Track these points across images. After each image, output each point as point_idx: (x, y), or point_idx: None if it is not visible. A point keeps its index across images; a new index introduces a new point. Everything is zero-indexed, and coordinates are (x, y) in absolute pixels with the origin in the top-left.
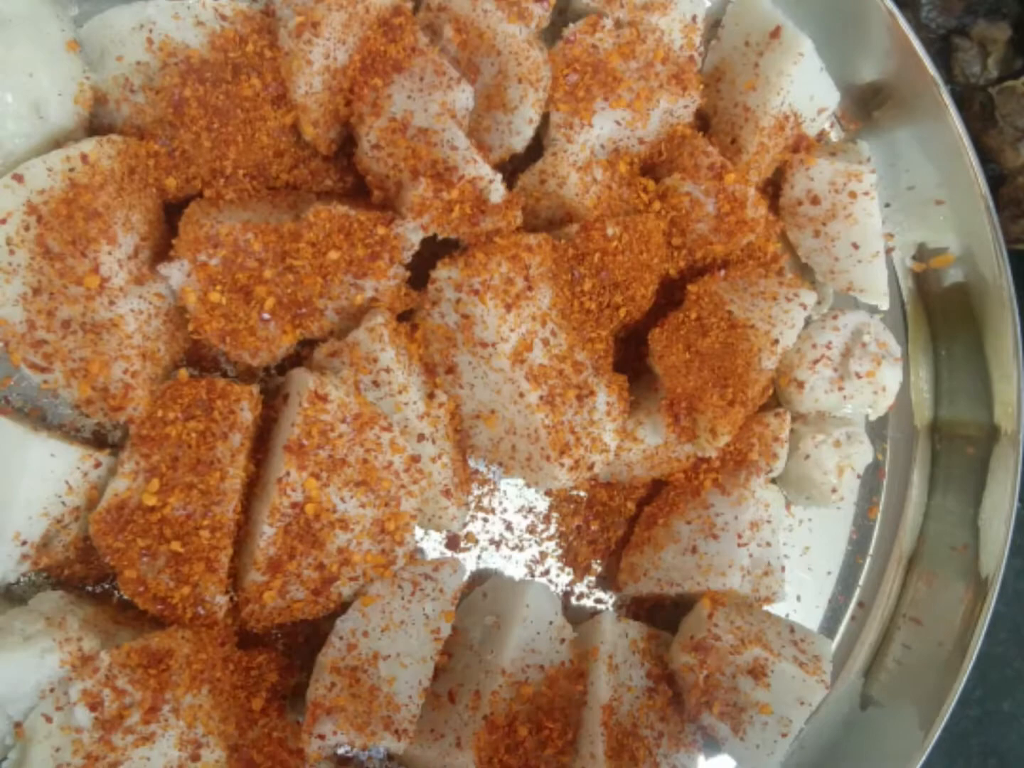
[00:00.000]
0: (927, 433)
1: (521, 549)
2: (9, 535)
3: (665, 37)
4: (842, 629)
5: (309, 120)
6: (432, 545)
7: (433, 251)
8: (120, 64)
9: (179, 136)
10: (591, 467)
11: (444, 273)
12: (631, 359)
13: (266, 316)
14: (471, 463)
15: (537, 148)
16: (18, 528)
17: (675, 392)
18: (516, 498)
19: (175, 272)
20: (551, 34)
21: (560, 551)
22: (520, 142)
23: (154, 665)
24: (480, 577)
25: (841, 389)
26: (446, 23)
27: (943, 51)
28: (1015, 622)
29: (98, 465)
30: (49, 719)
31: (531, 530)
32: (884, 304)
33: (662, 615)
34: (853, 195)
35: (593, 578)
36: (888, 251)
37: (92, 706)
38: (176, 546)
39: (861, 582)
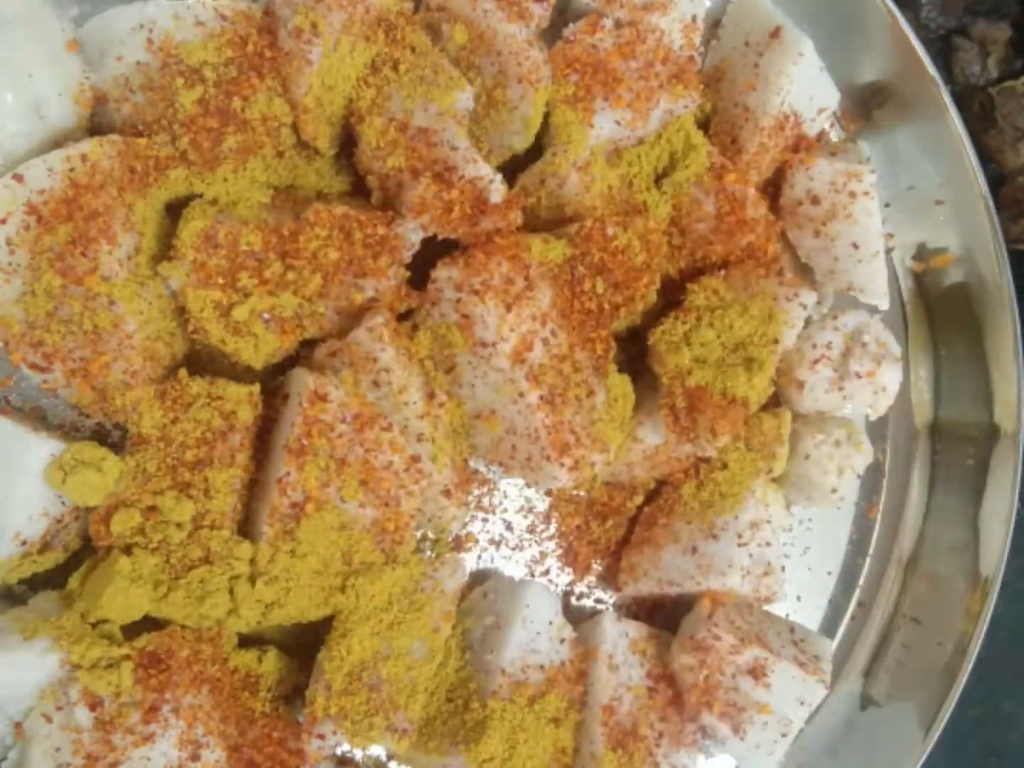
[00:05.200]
0: (927, 433)
1: (521, 549)
2: (9, 535)
3: (665, 37)
4: (842, 629)
5: (309, 120)
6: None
7: (433, 251)
8: (120, 64)
9: (179, 136)
10: (591, 467)
11: (444, 273)
12: (631, 359)
13: (266, 316)
14: (471, 463)
15: (537, 148)
16: (18, 528)
17: (675, 392)
18: (516, 498)
19: (175, 272)
20: (551, 34)
21: (560, 551)
22: (520, 142)
23: (154, 665)
24: (480, 577)
25: (841, 389)
26: (446, 23)
27: (943, 51)
28: (1015, 622)
29: None
30: (49, 719)
31: (531, 530)
32: (884, 304)
33: (662, 615)
34: (853, 195)
35: (593, 578)
36: (888, 251)
37: (92, 706)
38: (176, 546)
39: (861, 582)
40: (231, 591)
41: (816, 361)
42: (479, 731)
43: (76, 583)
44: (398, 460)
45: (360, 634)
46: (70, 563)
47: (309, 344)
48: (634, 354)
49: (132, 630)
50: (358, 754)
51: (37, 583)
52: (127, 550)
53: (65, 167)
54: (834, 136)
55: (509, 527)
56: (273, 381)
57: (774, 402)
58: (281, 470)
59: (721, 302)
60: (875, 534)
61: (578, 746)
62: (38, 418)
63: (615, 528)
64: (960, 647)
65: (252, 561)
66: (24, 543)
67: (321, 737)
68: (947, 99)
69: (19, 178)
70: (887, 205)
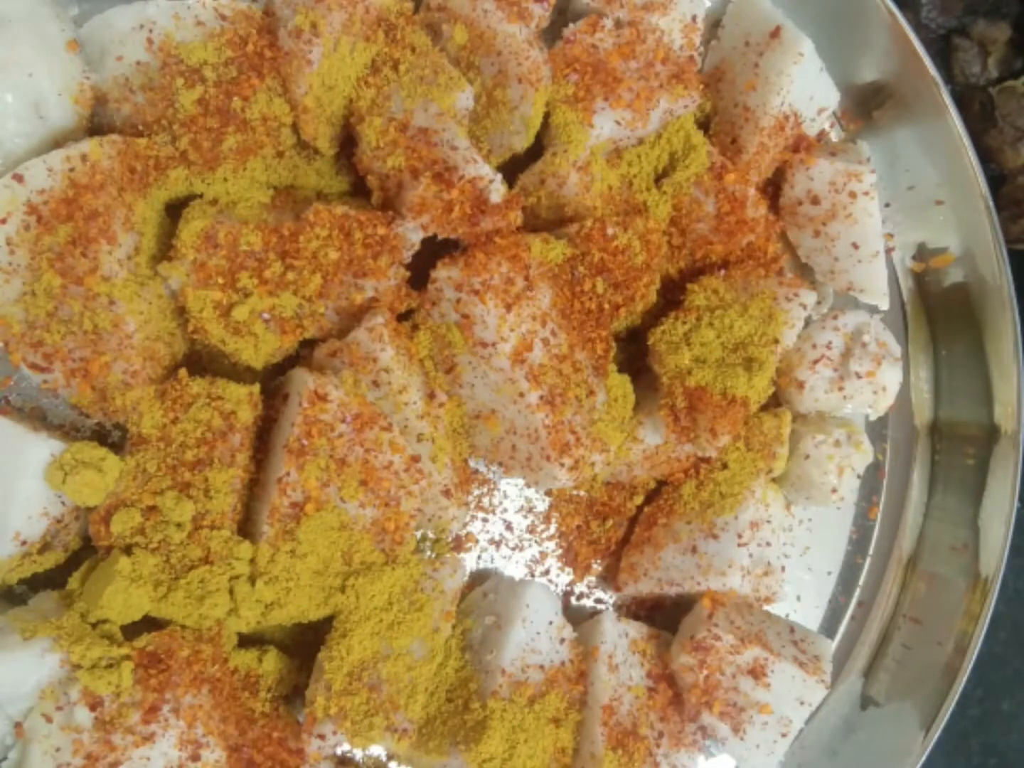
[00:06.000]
0: (927, 433)
1: (521, 549)
2: (9, 535)
3: (665, 37)
4: (842, 629)
5: (309, 120)
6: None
7: (433, 251)
8: (120, 64)
9: (179, 136)
10: (591, 467)
11: (444, 273)
12: (631, 359)
13: (266, 316)
14: (471, 463)
15: (537, 148)
16: (18, 528)
17: (675, 392)
18: (516, 498)
19: (175, 272)
20: (551, 34)
21: (560, 551)
22: (520, 142)
23: (154, 665)
24: (480, 577)
25: (841, 389)
26: (446, 23)
27: (943, 51)
28: (1015, 622)
29: None
30: (49, 719)
31: (531, 530)
32: (884, 304)
33: (662, 615)
34: (853, 195)
35: (593, 578)
36: (888, 251)
37: (92, 706)
38: (176, 546)
39: (861, 582)
40: (231, 591)
41: (816, 361)
42: (479, 731)
43: (76, 583)
44: (398, 460)
45: (360, 634)
46: (70, 563)
47: (309, 344)
48: (634, 354)
49: (132, 630)
50: (358, 754)
51: (37, 583)
52: (127, 550)
53: (65, 167)
54: (834, 136)
55: (509, 527)
56: (273, 381)
57: (774, 402)
58: (281, 470)
59: (721, 302)
60: (875, 534)
61: (578, 746)
62: (38, 418)
63: (615, 528)
64: (960, 647)
65: (252, 561)
66: (24, 543)
67: (321, 737)
68: (947, 99)
69: (19, 178)
70: (887, 205)
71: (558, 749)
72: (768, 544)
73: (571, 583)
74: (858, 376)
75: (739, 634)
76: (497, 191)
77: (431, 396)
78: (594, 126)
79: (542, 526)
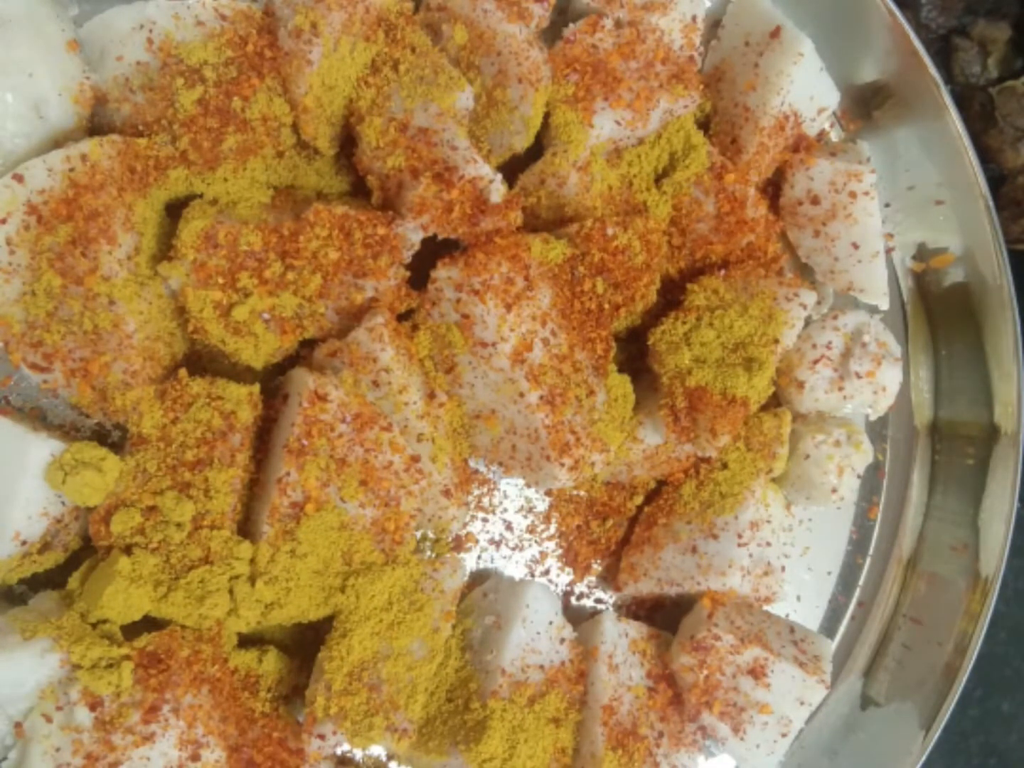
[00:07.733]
0: (927, 433)
1: (521, 549)
2: (9, 535)
3: (665, 37)
4: (842, 629)
5: (309, 120)
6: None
7: (433, 251)
8: (120, 64)
9: (179, 136)
10: (591, 467)
11: (444, 273)
12: (631, 359)
13: (266, 316)
14: (471, 463)
15: (537, 148)
16: (18, 528)
17: (675, 392)
18: (516, 498)
19: (175, 272)
20: (551, 34)
21: (560, 551)
22: (520, 142)
23: (154, 665)
24: (480, 577)
25: (841, 389)
26: (446, 23)
27: (943, 51)
28: (1015, 622)
29: None
30: (49, 719)
31: (531, 530)
32: (884, 304)
33: (662, 615)
34: (853, 195)
35: (593, 578)
36: (888, 251)
37: (92, 706)
38: (176, 546)
39: (861, 582)
40: (231, 591)
41: (816, 361)
42: (479, 731)
43: (76, 583)
44: (398, 460)
45: (360, 634)
46: (70, 563)
47: (309, 344)
48: (634, 354)
49: (132, 630)
50: (358, 754)
51: (37, 583)
52: (127, 550)
53: (65, 167)
54: (834, 136)
55: (509, 527)
56: (273, 381)
57: (774, 402)
58: (281, 470)
59: (721, 302)
60: (875, 534)
61: (578, 746)
62: (38, 418)
63: (615, 528)
64: (960, 647)
65: (252, 561)
66: (24, 543)
67: (321, 737)
68: (947, 99)
69: (19, 178)
70: (887, 205)
71: (558, 749)
72: (768, 544)
73: (571, 583)
74: (858, 376)
75: (739, 634)
76: (497, 191)
77: (431, 396)
78: (594, 126)
79: (542, 526)
